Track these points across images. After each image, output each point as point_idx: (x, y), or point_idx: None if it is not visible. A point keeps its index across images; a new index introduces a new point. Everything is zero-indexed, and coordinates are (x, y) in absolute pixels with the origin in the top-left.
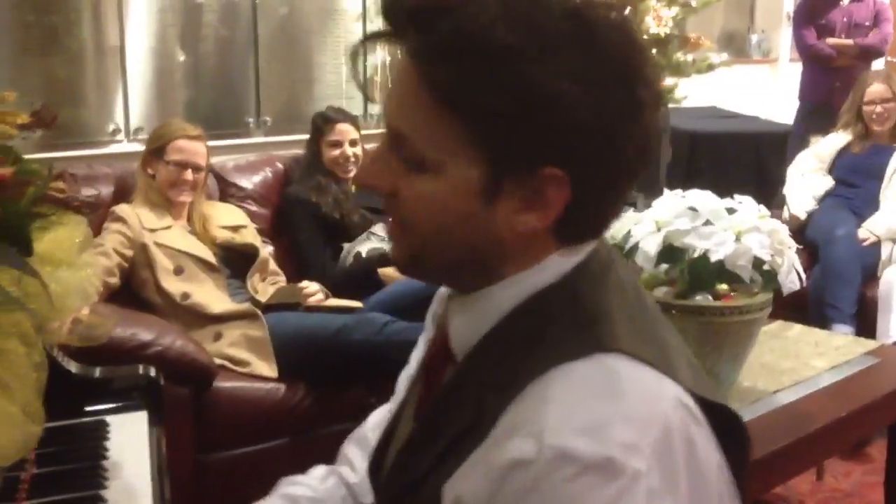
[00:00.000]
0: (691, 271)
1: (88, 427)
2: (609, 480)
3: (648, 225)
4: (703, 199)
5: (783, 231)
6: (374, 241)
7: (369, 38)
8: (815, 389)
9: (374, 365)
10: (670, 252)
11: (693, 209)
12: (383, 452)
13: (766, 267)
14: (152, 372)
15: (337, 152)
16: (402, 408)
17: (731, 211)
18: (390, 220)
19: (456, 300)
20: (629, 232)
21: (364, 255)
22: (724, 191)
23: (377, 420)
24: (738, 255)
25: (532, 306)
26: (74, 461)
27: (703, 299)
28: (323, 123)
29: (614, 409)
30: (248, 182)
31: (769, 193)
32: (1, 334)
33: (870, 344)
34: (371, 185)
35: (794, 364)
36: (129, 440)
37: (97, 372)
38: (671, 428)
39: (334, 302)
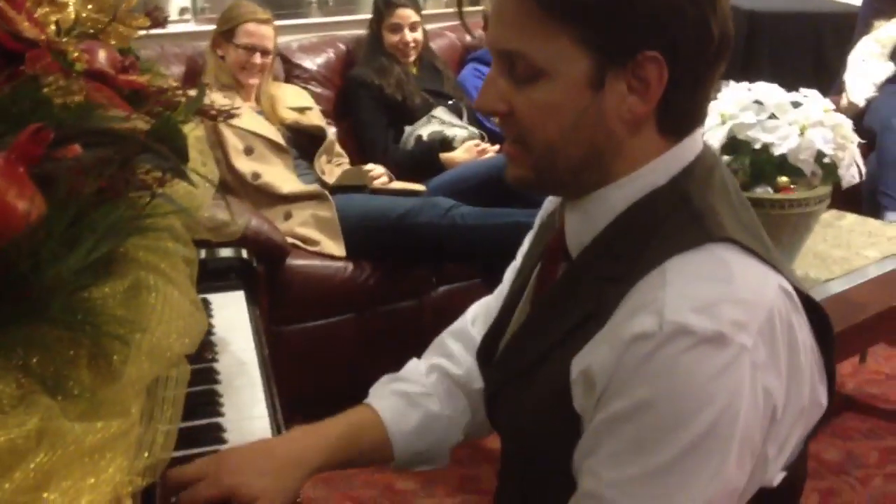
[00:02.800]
0: (754, 164)
1: None
2: (719, 351)
3: (713, 117)
4: (768, 91)
5: (847, 125)
6: (435, 124)
7: None
8: (865, 279)
9: (437, 247)
10: (734, 144)
11: (759, 102)
12: (495, 339)
13: (826, 160)
14: (244, 254)
15: (397, 37)
16: (512, 299)
17: (796, 104)
18: (507, 143)
19: (572, 204)
20: None
21: (425, 138)
22: (782, 73)
23: (476, 313)
24: (801, 149)
25: (643, 206)
26: None
27: (763, 191)
28: (384, 7)
29: (726, 291)
30: (312, 63)
31: (828, 78)
32: (160, 236)
33: None
34: (490, 111)
35: (846, 254)
36: (231, 317)
37: (202, 254)
38: (775, 312)
39: (399, 184)
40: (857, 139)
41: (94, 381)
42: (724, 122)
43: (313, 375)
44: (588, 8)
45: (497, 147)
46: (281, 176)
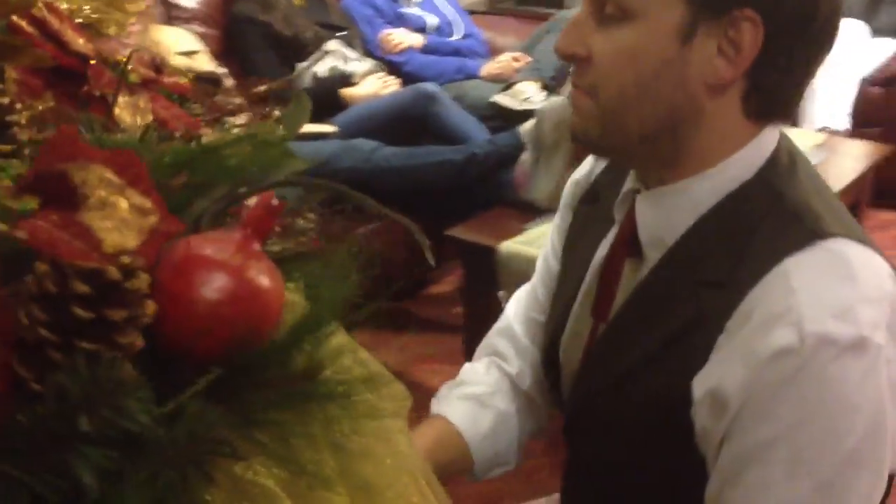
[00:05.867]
0: None
1: None
2: (861, 356)
3: None
4: None
5: None
6: (329, 59)
7: None
8: None
9: (363, 191)
10: None
11: None
12: (554, 343)
13: None
14: None
15: None
16: (567, 296)
17: None
18: (576, 90)
19: (647, 195)
20: None
21: (321, 75)
22: None
23: (518, 311)
24: None
25: (734, 202)
26: None
27: None
28: None
29: (855, 291)
30: (191, 1)
31: None
32: None
33: (818, 137)
34: (568, 54)
35: None
36: None
37: None
38: (893, 301)
39: (308, 127)
40: None
41: (342, 462)
42: None
43: None
44: None
45: (398, 80)
46: None
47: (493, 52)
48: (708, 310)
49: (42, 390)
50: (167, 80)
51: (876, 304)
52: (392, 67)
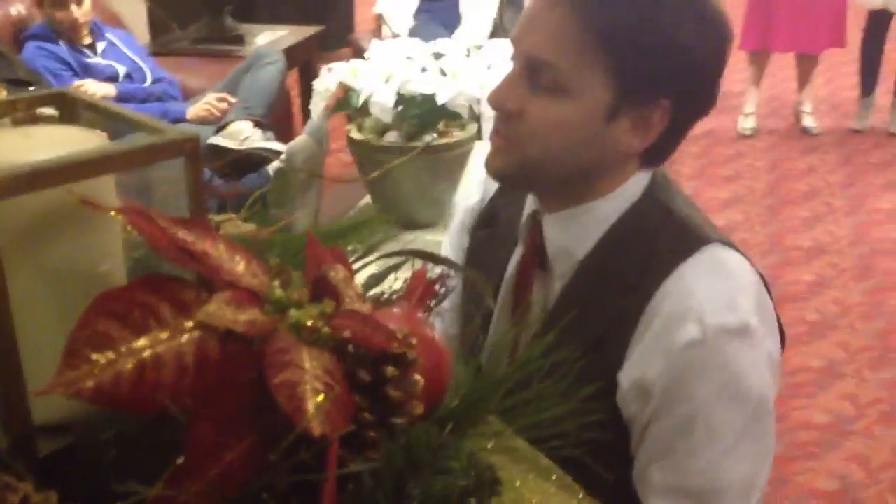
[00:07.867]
0: (421, 115)
1: None
2: (746, 339)
3: (375, 78)
4: (414, 47)
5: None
6: None
7: None
8: None
9: None
10: (400, 100)
11: (409, 58)
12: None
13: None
14: None
15: None
16: (479, 312)
17: (438, 56)
18: (498, 136)
19: (553, 216)
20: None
21: None
22: (275, 7)
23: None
24: (458, 96)
25: (631, 218)
26: None
27: (431, 138)
28: None
29: (735, 285)
30: None
31: (320, 7)
32: None
33: None
34: (501, 108)
35: None
36: None
37: None
38: (758, 289)
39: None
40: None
41: None
42: (388, 81)
43: None
44: (630, 47)
45: None
46: None
47: (187, 93)
48: (622, 312)
49: (357, 469)
50: None
51: (748, 292)
52: None
